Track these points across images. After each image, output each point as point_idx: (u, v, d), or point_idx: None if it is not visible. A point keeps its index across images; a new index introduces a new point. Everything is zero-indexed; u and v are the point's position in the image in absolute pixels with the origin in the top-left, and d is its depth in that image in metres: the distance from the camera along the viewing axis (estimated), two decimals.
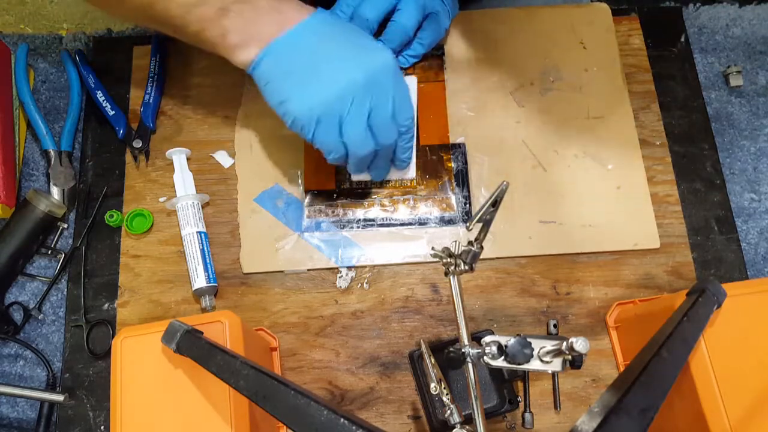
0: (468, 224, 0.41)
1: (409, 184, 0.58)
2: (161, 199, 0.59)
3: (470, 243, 0.40)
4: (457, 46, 0.63)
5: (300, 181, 0.58)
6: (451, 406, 0.40)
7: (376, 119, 0.47)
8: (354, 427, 0.29)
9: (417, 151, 0.57)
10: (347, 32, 0.48)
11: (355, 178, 0.57)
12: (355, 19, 0.55)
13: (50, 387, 0.55)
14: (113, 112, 0.60)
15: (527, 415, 0.52)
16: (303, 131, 0.47)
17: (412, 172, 0.57)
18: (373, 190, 0.58)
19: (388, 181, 0.58)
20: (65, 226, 0.59)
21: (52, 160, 0.59)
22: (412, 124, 0.51)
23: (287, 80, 0.46)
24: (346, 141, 0.47)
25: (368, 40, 0.49)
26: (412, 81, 0.58)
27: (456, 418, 0.39)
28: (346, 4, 0.56)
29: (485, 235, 0.40)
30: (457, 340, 0.42)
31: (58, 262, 0.58)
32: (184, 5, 0.44)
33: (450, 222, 0.57)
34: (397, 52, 0.59)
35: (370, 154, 0.48)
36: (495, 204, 0.39)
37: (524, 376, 0.53)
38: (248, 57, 0.46)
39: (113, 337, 0.53)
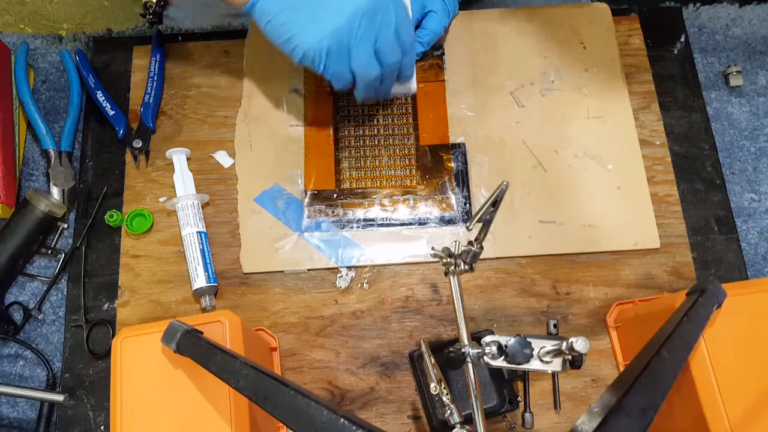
0: (468, 224, 0.41)
1: (409, 184, 0.58)
2: (161, 199, 0.59)
3: (470, 243, 0.40)
4: (457, 46, 0.63)
5: (300, 181, 0.58)
6: (451, 406, 0.40)
7: (382, 42, 0.47)
8: (354, 427, 0.29)
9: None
10: None
11: (360, 100, 0.56)
12: None
13: (50, 387, 0.55)
14: (113, 112, 0.60)
15: (527, 415, 0.52)
16: (314, 63, 0.47)
17: (414, 87, 0.56)
18: (373, 190, 0.58)
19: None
20: (65, 226, 0.59)
21: (52, 160, 0.59)
22: (414, 40, 0.51)
23: (291, 14, 0.45)
24: (355, 67, 0.47)
25: None
26: None
27: (456, 418, 0.39)
28: None
29: (485, 235, 0.40)
30: (457, 340, 0.42)
31: (58, 262, 0.58)
32: None
33: (450, 222, 0.57)
34: None
35: (377, 77, 0.49)
36: (495, 204, 0.39)
37: (524, 376, 0.53)
38: None
39: (113, 337, 0.53)
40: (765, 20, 0.68)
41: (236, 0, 0.47)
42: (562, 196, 0.58)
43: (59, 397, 0.52)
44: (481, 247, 0.40)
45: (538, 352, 0.35)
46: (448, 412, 0.40)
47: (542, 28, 0.63)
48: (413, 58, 0.53)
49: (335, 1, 0.45)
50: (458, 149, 0.59)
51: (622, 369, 0.53)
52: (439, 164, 0.59)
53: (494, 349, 0.36)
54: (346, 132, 0.60)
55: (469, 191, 0.58)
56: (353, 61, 0.47)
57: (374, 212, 0.58)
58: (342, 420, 0.30)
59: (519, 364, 0.35)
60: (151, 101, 0.60)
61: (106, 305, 0.56)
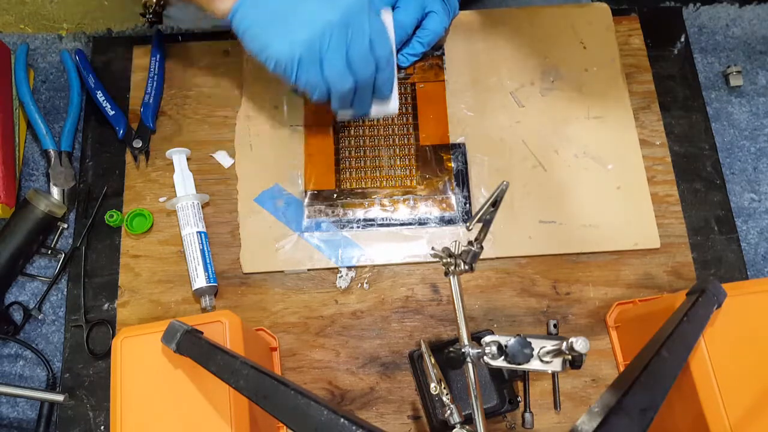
0: (468, 224, 0.41)
1: (409, 184, 0.58)
2: (161, 199, 0.59)
3: (470, 243, 0.40)
4: (457, 46, 0.63)
5: (300, 181, 0.58)
6: (451, 406, 0.40)
7: (354, 54, 0.48)
8: (354, 427, 0.29)
9: (399, 86, 0.57)
10: None
11: (340, 117, 0.56)
12: None
13: (50, 387, 0.55)
14: (113, 112, 0.60)
15: (527, 415, 0.52)
16: (286, 72, 0.47)
17: (394, 107, 0.55)
18: (373, 190, 0.58)
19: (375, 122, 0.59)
20: (65, 226, 0.59)
21: (52, 160, 0.59)
22: (391, 58, 0.51)
23: (266, 24, 0.47)
24: (327, 77, 0.48)
25: None
26: (387, 16, 0.55)
27: (456, 418, 0.39)
28: None
29: (485, 235, 0.40)
30: (457, 340, 0.42)
31: (58, 262, 0.58)
32: None
33: (450, 222, 0.57)
34: (397, 50, 0.59)
35: (351, 89, 0.49)
36: (495, 204, 0.39)
37: (524, 376, 0.53)
38: (226, 5, 0.47)
39: (113, 337, 0.53)
40: (765, 20, 0.68)
41: (218, 12, 0.48)
42: (562, 196, 0.58)
43: (59, 397, 0.52)
44: (481, 247, 0.40)
45: (538, 352, 0.35)
46: (448, 412, 0.40)
47: (542, 28, 0.63)
48: (391, 75, 0.52)
49: (307, 15, 0.46)
50: (458, 149, 0.59)
51: (622, 369, 0.53)
52: (439, 164, 0.59)
53: (494, 349, 0.36)
54: (346, 132, 0.60)
55: (469, 191, 0.58)
56: (325, 71, 0.48)
57: (374, 212, 0.58)
58: (342, 420, 0.30)
59: (519, 364, 0.35)
60: (151, 101, 0.60)
61: (106, 305, 0.56)
